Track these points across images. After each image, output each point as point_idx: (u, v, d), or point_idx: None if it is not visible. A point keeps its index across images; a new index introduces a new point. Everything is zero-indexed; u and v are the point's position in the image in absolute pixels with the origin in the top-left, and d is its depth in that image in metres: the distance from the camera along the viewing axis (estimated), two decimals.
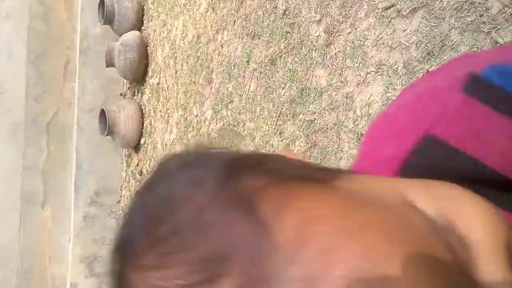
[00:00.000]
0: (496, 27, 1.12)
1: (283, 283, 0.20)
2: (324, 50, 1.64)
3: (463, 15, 1.19)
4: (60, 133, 3.58)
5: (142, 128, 3.24)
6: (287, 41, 1.85)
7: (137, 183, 3.35)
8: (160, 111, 3.01)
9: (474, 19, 1.16)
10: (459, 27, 1.20)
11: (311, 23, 1.71)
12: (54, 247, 3.61)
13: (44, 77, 3.54)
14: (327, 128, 1.63)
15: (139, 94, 3.36)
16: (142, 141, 3.24)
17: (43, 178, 3.53)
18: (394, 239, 0.22)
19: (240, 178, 0.23)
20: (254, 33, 2.06)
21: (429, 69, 1.26)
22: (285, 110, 1.85)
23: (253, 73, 2.07)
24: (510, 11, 1.09)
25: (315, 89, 1.69)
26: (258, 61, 2.02)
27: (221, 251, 0.21)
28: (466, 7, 1.18)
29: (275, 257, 0.20)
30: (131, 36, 3.13)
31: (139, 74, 3.23)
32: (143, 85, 3.30)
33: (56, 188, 3.58)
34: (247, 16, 2.12)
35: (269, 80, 1.95)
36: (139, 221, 0.24)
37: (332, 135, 1.61)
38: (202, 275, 0.21)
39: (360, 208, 0.23)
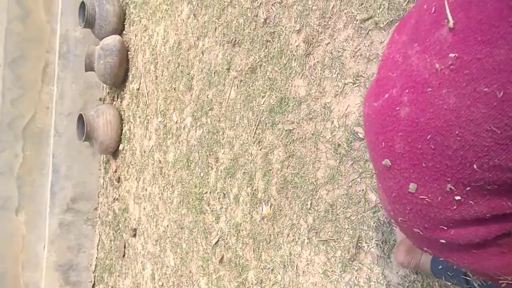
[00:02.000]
0: None
1: None
2: (304, 60, 1.64)
3: None
4: (37, 138, 3.50)
5: (121, 134, 3.19)
6: (267, 49, 1.84)
7: (115, 189, 3.29)
8: (140, 117, 2.97)
9: None
10: None
11: (291, 33, 1.71)
12: (28, 254, 3.52)
13: (22, 80, 3.46)
14: (305, 138, 1.62)
15: (119, 99, 3.31)
16: (120, 147, 3.19)
17: (18, 184, 3.44)
18: None
19: None
20: (235, 40, 2.05)
21: None
22: (264, 119, 1.84)
23: (233, 80, 2.06)
24: None
25: (294, 98, 1.69)
26: (239, 69, 2.01)
27: None
28: None
29: None
30: (112, 40, 3.09)
31: (119, 79, 3.18)
32: (123, 90, 3.26)
33: (32, 194, 3.49)
34: (228, 24, 2.11)
35: (249, 88, 1.94)
36: None
37: (310, 145, 1.60)
38: None
39: None
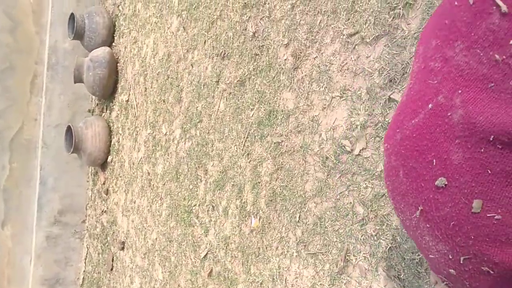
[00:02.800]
0: None
1: None
2: (292, 74, 1.65)
3: None
4: (24, 150, 3.47)
5: (110, 146, 3.17)
6: (256, 63, 1.86)
7: (103, 202, 3.26)
8: (129, 128, 2.96)
9: None
10: None
11: (279, 47, 1.72)
12: (14, 268, 3.46)
13: (10, 91, 3.43)
14: (294, 151, 1.63)
15: (108, 111, 3.30)
16: (109, 159, 3.17)
17: (4, 196, 3.39)
18: None
19: None
20: (224, 53, 2.06)
21: (391, 96, 1.28)
22: (253, 131, 1.85)
23: (222, 93, 2.07)
24: None
25: (282, 111, 1.70)
26: (228, 81, 2.02)
27: None
28: None
29: None
30: (101, 52, 3.09)
31: (108, 91, 3.18)
32: (112, 102, 3.25)
33: (18, 206, 3.45)
34: (217, 37, 2.12)
35: (238, 101, 1.95)
36: None
37: (299, 158, 1.61)
38: None
39: None
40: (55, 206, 3.43)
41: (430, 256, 0.59)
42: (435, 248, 0.57)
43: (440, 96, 0.54)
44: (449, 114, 0.52)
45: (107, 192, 3.19)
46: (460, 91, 0.51)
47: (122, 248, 2.90)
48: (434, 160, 0.54)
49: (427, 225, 0.57)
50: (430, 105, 0.55)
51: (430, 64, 0.56)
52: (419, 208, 0.57)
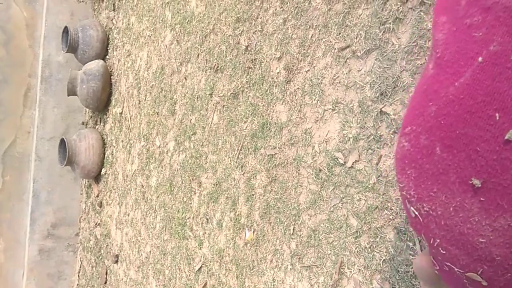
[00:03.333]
0: None
1: None
2: (284, 87, 1.67)
3: (413, 58, 1.24)
4: (17, 163, 3.45)
5: (103, 158, 3.16)
6: (249, 76, 1.87)
7: (97, 214, 3.24)
8: (122, 141, 2.96)
9: (424, 62, 1.22)
10: (410, 69, 1.25)
11: (271, 60, 1.74)
12: (7, 283, 3.41)
13: (3, 105, 3.42)
14: (287, 163, 1.64)
15: (102, 124, 3.30)
16: (103, 171, 3.16)
17: None
18: None
19: None
20: (217, 67, 2.08)
21: (382, 109, 1.30)
22: (247, 144, 1.86)
23: (216, 106, 2.08)
24: None
25: (275, 124, 1.71)
26: (221, 94, 2.04)
27: None
28: (416, 50, 1.24)
29: None
30: (95, 65, 3.10)
31: (101, 103, 3.18)
32: (106, 114, 3.24)
33: (11, 220, 3.42)
34: (210, 50, 2.14)
35: (232, 113, 1.96)
36: None
37: (292, 170, 1.62)
38: None
39: None
40: (48, 219, 3.40)
41: (475, 242, 0.50)
42: (490, 228, 0.49)
43: (491, 46, 0.47)
44: (511, 57, 0.44)
45: (100, 204, 3.18)
46: None
47: (116, 261, 2.87)
48: (497, 114, 0.46)
49: (482, 198, 0.49)
50: (480, 58, 0.48)
51: (465, 21, 0.49)
52: (472, 181, 0.49)
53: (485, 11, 0.47)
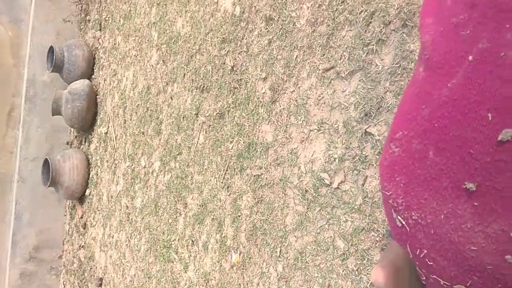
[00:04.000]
0: None
1: None
2: (270, 107, 1.67)
3: (397, 79, 1.25)
4: None
5: (88, 179, 3.11)
6: (234, 96, 1.87)
7: (80, 236, 3.17)
8: (107, 161, 2.91)
9: (407, 83, 1.22)
10: (393, 90, 1.25)
11: (257, 80, 1.74)
12: None
13: None
14: (273, 184, 1.62)
15: (86, 143, 3.26)
16: (87, 192, 3.10)
17: None
18: None
19: None
20: (203, 87, 2.07)
21: (367, 129, 1.30)
22: (233, 164, 1.84)
23: (201, 125, 2.07)
24: None
25: (261, 144, 1.70)
26: (207, 114, 2.02)
27: None
28: (399, 71, 1.25)
29: None
30: (80, 84, 3.07)
31: (87, 123, 3.14)
32: (91, 134, 3.21)
33: None
34: (196, 70, 2.14)
35: (217, 133, 1.95)
36: None
37: (278, 191, 1.60)
38: None
39: None
40: (31, 242, 3.31)
41: (466, 251, 0.47)
42: (482, 234, 0.47)
43: (480, 43, 0.46)
44: (501, 54, 0.43)
45: (84, 226, 3.11)
46: (508, 25, 0.42)
47: (100, 285, 2.80)
48: (490, 114, 0.44)
49: (476, 203, 0.47)
50: (470, 57, 0.46)
51: (452, 20, 0.48)
52: (465, 185, 0.47)
53: (470, 8, 0.46)
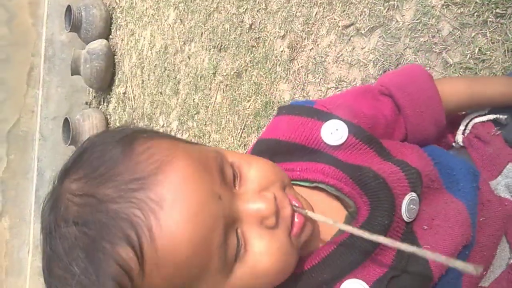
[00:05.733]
0: (446, 48, 1.17)
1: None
2: (288, 65, 1.67)
3: (417, 35, 1.24)
4: (22, 142, 3.47)
5: None
6: (252, 55, 1.87)
7: None
8: (126, 121, 2.97)
9: (427, 40, 1.22)
10: (413, 47, 1.25)
11: (275, 38, 1.74)
12: (12, 260, 3.47)
13: (6, 84, 3.43)
14: None
15: (105, 103, 3.31)
16: None
17: (2, 188, 3.40)
18: None
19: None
20: (221, 46, 2.07)
21: None
22: (250, 122, 1.87)
23: (219, 85, 2.09)
24: (459, 33, 1.15)
25: (278, 102, 1.72)
26: (224, 73, 2.04)
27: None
28: (419, 27, 1.24)
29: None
30: (98, 44, 3.09)
31: (105, 83, 3.18)
32: (109, 94, 3.25)
33: (16, 198, 3.46)
34: (214, 29, 2.14)
35: (235, 92, 1.97)
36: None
37: None
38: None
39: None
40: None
41: None
42: None
43: None
44: None
45: None
46: None
47: None
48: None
49: None
50: None
51: None
52: None
53: None
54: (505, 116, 0.64)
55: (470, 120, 0.66)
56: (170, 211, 0.38)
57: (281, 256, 0.43)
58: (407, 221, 0.49)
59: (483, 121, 0.65)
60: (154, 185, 0.38)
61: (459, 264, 0.39)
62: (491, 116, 0.64)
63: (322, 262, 0.47)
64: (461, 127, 0.66)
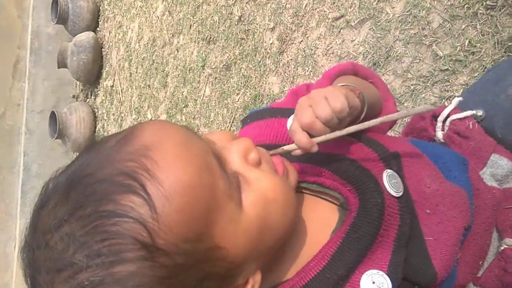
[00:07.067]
0: (436, 40, 1.16)
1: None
2: (277, 58, 1.65)
3: (407, 27, 1.23)
4: (7, 135, 3.41)
5: (95, 132, 3.14)
6: (241, 47, 1.85)
7: None
8: (114, 114, 2.93)
9: (417, 32, 1.21)
10: (403, 39, 1.24)
11: (265, 31, 1.72)
12: None
13: None
14: None
15: (92, 97, 3.26)
16: None
17: None
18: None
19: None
20: (210, 38, 2.05)
21: None
22: (239, 116, 1.85)
23: (208, 78, 2.06)
24: (449, 26, 1.14)
25: (268, 95, 1.70)
26: (213, 66, 2.01)
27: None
28: (409, 20, 1.23)
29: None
30: (85, 36, 3.04)
31: (92, 76, 3.13)
32: (97, 87, 3.21)
33: (1, 193, 3.40)
34: (203, 21, 2.11)
35: (224, 85, 1.95)
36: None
37: None
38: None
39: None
40: (39, 192, 3.39)
41: None
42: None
43: None
44: None
45: None
46: None
47: None
48: None
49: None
50: None
51: None
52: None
53: None
54: (482, 111, 0.64)
55: (447, 117, 0.66)
56: (160, 148, 0.38)
57: (279, 184, 0.43)
58: (396, 195, 0.48)
59: (460, 118, 0.65)
60: (135, 137, 0.38)
61: (419, 109, 0.48)
62: (469, 113, 0.64)
63: (332, 259, 0.46)
64: (439, 124, 0.66)
